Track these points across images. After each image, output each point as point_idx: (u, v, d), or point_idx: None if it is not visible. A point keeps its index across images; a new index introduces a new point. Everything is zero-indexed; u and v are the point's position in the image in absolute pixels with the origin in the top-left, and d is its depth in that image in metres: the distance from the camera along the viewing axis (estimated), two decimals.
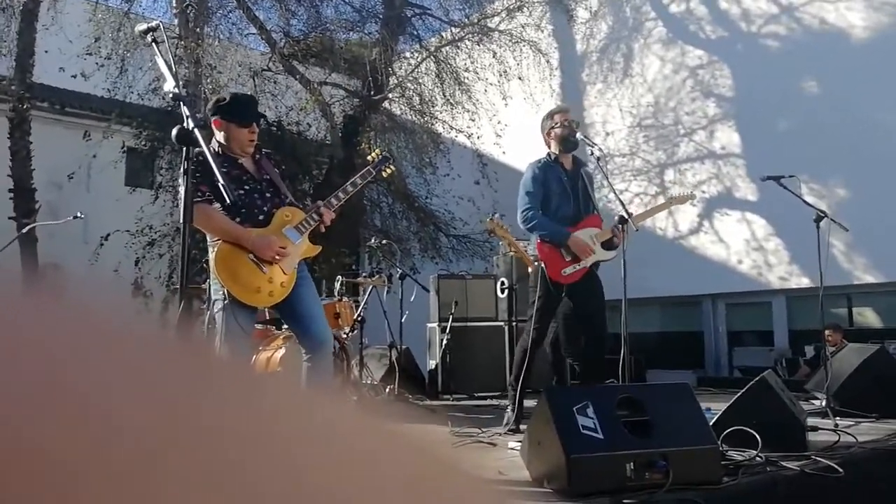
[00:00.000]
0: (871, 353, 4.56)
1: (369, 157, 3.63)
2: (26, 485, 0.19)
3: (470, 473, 0.32)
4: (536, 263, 4.07)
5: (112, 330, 0.27)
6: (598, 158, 4.14)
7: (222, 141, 3.13)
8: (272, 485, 0.23)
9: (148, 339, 0.28)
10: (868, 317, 9.30)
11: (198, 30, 9.69)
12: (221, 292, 2.95)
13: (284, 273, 3.03)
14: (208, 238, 3.08)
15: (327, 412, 0.30)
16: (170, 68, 2.49)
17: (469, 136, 10.95)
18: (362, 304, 5.90)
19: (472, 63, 11.11)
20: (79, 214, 6.17)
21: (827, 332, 7.46)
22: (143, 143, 9.99)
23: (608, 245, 4.06)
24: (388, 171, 3.63)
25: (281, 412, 0.28)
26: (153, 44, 2.54)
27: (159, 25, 2.57)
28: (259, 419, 0.26)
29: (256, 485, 0.23)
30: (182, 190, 2.92)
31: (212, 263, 2.99)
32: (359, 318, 5.63)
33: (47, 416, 0.21)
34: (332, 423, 0.29)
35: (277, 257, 2.99)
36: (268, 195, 3.14)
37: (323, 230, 3.25)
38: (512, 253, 6.56)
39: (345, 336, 5.45)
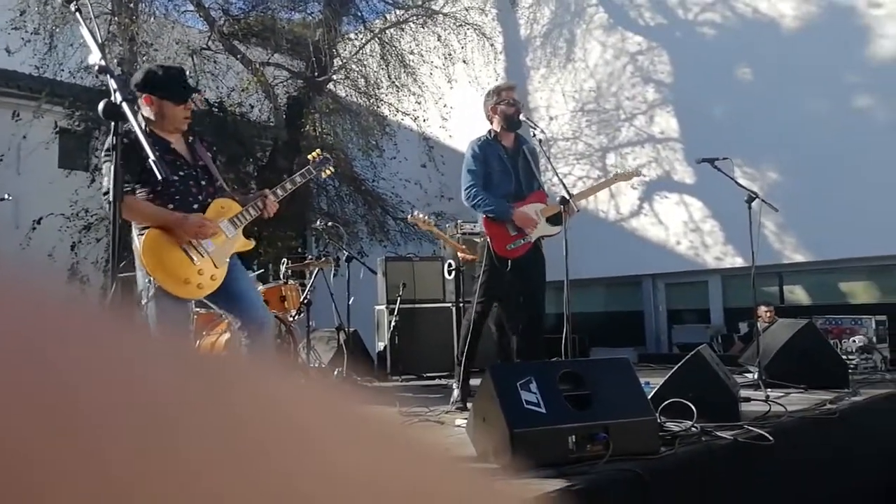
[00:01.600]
0: (800, 328, 4.79)
1: (310, 157, 3.53)
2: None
3: (429, 452, 0.32)
4: (482, 239, 4.11)
5: (52, 312, 0.26)
6: (541, 141, 4.18)
7: (152, 118, 2.95)
8: (224, 468, 0.23)
9: (90, 321, 0.27)
10: (798, 294, 9.75)
11: (132, 5, 9.30)
12: (149, 280, 2.82)
13: (216, 266, 2.92)
14: (134, 225, 2.92)
15: (281, 391, 0.29)
16: (95, 39, 2.37)
17: (415, 119, 10.91)
18: (309, 286, 5.85)
19: (416, 46, 11.04)
20: (6, 196, 5.88)
21: (763, 308, 7.81)
22: (76, 123, 9.56)
23: (554, 221, 4.10)
24: (328, 171, 3.56)
25: (233, 393, 0.27)
26: (76, 13, 2.42)
27: None
28: (209, 399, 0.26)
29: (209, 469, 0.22)
30: (106, 167, 2.80)
31: (138, 251, 2.84)
32: (305, 301, 5.58)
33: (22, 407, 0.20)
34: (286, 402, 0.29)
35: (200, 233, 2.86)
36: (203, 182, 3.02)
37: (266, 218, 3.18)
38: (459, 235, 6.61)
39: (291, 319, 5.39)
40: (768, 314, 7.80)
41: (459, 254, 5.52)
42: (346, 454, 0.27)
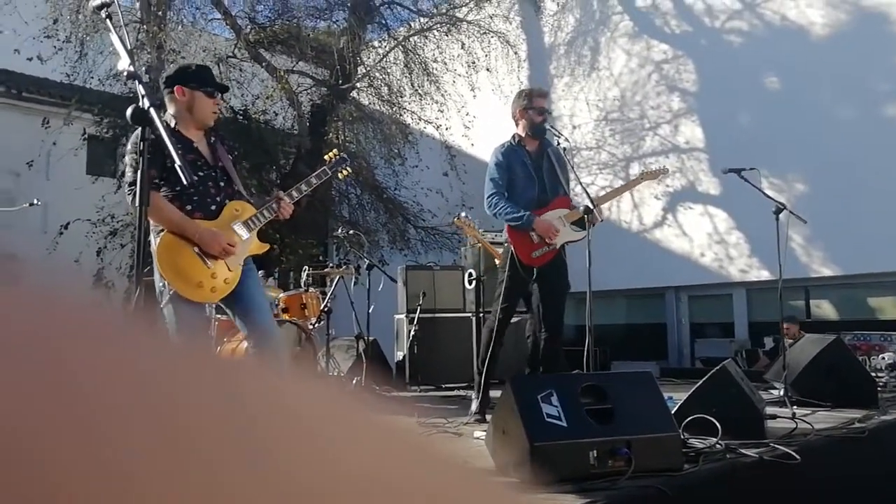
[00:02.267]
0: (827, 344, 4.68)
1: (326, 157, 3.48)
2: (14, 482, 0.19)
3: (440, 457, 0.32)
4: (506, 245, 4.08)
5: (75, 315, 0.26)
6: (565, 150, 4.16)
7: (180, 113, 2.97)
8: (238, 469, 0.23)
9: (111, 324, 0.28)
10: (825, 309, 9.56)
11: (160, 14, 9.46)
12: (164, 283, 2.83)
13: (229, 269, 2.91)
14: (152, 225, 2.92)
15: (296, 396, 0.30)
16: (125, 46, 2.38)
17: (437, 128, 10.93)
18: (329, 294, 5.86)
19: (440, 54, 11.08)
20: (35, 202, 5.99)
21: (786, 325, 7.66)
22: (104, 130, 9.73)
23: (578, 225, 4.02)
24: (345, 172, 3.50)
25: (248, 396, 0.27)
26: (107, 20, 2.44)
27: (113, 1, 2.47)
28: (225, 402, 0.26)
29: (223, 469, 0.22)
30: (129, 171, 2.82)
31: (154, 253, 2.84)
32: (326, 310, 5.58)
33: (13, 405, 0.21)
34: (301, 407, 0.29)
35: (224, 253, 2.86)
36: (221, 184, 3.02)
37: (281, 220, 3.16)
38: (479, 245, 6.59)
39: (312, 327, 5.40)
40: (789, 330, 7.66)
41: (497, 261, 5.47)
42: (358, 456, 0.27)
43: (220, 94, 3.07)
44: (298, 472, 0.24)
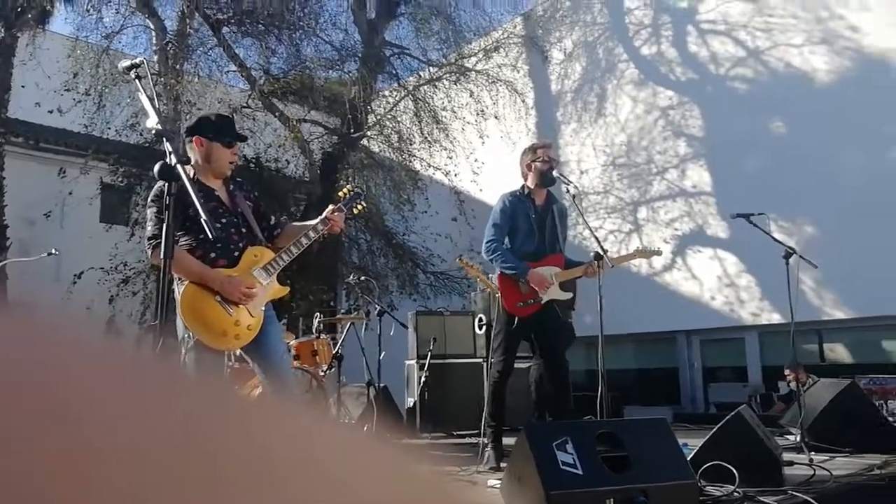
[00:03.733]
0: (843, 388, 4.63)
1: (340, 194, 3.47)
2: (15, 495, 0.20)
3: (458, 497, 0.32)
4: (497, 294, 4.12)
5: (82, 344, 0.27)
6: (574, 196, 4.21)
7: (198, 163, 3.04)
8: (244, 494, 0.23)
9: (119, 353, 0.28)
10: (839, 352, 9.45)
11: (177, 67, 9.75)
12: (188, 334, 2.86)
13: (251, 315, 2.94)
14: (175, 274, 2.98)
15: (313, 435, 0.30)
16: (153, 104, 2.47)
17: (446, 174, 11.08)
18: (340, 341, 5.86)
19: (449, 102, 11.31)
20: (53, 251, 6.08)
21: (787, 372, 7.53)
22: (119, 179, 9.95)
23: (566, 287, 4.10)
24: (359, 207, 3.47)
25: (265, 434, 0.27)
26: (136, 80, 2.53)
27: (143, 62, 2.56)
28: (231, 427, 0.26)
29: (229, 492, 0.23)
30: (150, 225, 2.89)
31: (178, 303, 2.87)
32: (337, 356, 5.58)
33: (39, 443, 0.21)
34: (314, 440, 0.29)
35: (245, 298, 2.90)
36: (243, 230, 3.07)
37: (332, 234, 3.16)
38: (489, 290, 6.60)
39: (322, 374, 5.39)
40: (794, 375, 7.55)
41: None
42: (375, 493, 0.27)
43: (237, 144, 3.14)
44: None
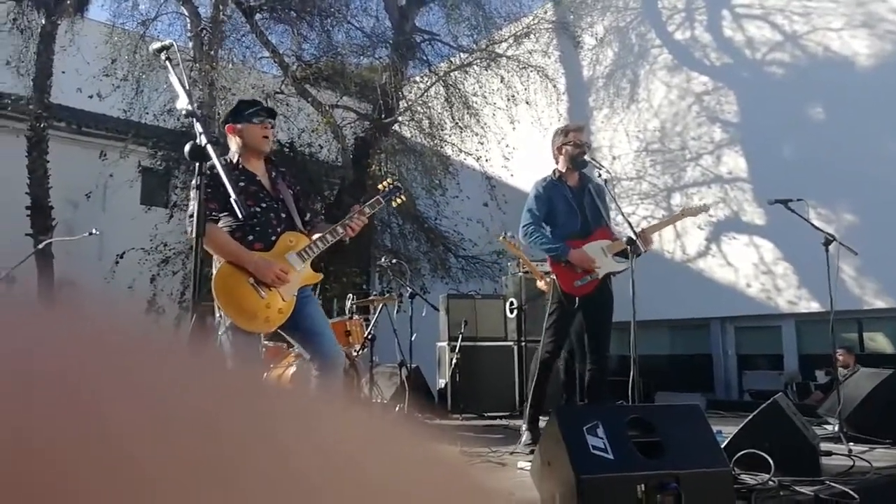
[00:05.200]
0: (884, 378, 4.53)
1: (380, 186, 3.48)
2: (35, 499, 0.20)
3: (483, 488, 0.32)
4: (550, 278, 4.09)
5: (126, 343, 0.27)
6: (606, 181, 4.17)
7: (238, 148, 3.11)
8: (270, 490, 0.23)
9: (161, 353, 0.29)
10: (879, 342, 9.23)
11: (212, 53, 9.87)
12: (221, 315, 2.91)
13: (283, 300, 2.96)
14: (213, 255, 3.03)
15: (341, 424, 0.30)
16: (183, 86, 2.48)
17: (478, 159, 11.04)
18: (373, 322, 5.91)
19: (480, 87, 11.24)
20: (94, 231, 6.23)
21: (839, 352, 7.42)
22: (158, 162, 10.15)
23: (622, 256, 4.02)
24: (399, 200, 3.47)
25: (286, 419, 0.28)
26: (167, 62, 2.54)
27: (173, 44, 2.57)
28: (265, 425, 0.27)
29: (256, 488, 0.23)
30: (193, 204, 2.95)
31: (213, 283, 2.92)
32: (369, 337, 5.64)
33: (61, 430, 0.22)
34: (337, 432, 0.29)
35: (278, 280, 2.92)
36: (283, 215, 3.10)
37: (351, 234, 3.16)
38: (521, 273, 6.60)
39: (356, 354, 5.46)
40: (843, 359, 7.41)
41: (540, 283, 5.47)
42: (396, 484, 0.27)
43: (268, 119, 3.15)
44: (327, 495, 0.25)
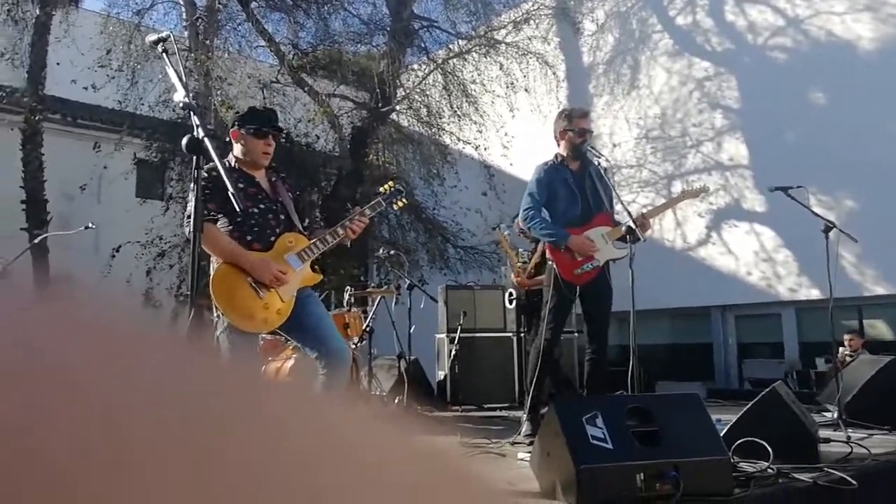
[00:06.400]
0: (884, 365, 4.52)
1: (382, 189, 3.42)
2: (35, 488, 0.20)
3: (481, 480, 0.32)
4: (549, 264, 4.05)
5: (122, 337, 0.27)
6: (605, 170, 4.13)
7: (239, 154, 3.09)
8: (274, 486, 0.23)
9: (158, 345, 0.29)
10: (879, 328, 9.22)
11: (207, 42, 9.80)
12: (219, 315, 2.88)
13: (282, 300, 2.93)
14: (212, 255, 3.01)
15: (336, 417, 0.30)
16: (180, 78, 2.47)
17: (476, 148, 10.99)
18: (371, 314, 5.90)
19: (479, 75, 11.17)
20: (90, 225, 6.21)
21: (848, 336, 7.42)
22: (153, 154, 10.09)
23: (623, 241, 3.99)
24: (400, 204, 3.41)
25: (288, 415, 0.28)
26: (163, 54, 2.52)
27: (169, 36, 2.55)
28: (266, 421, 0.27)
29: (260, 485, 0.23)
30: (191, 202, 2.92)
31: (210, 284, 2.90)
32: (368, 329, 5.62)
33: (58, 423, 0.22)
34: (340, 428, 0.29)
35: (276, 281, 2.89)
36: (281, 217, 3.08)
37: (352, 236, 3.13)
38: (521, 264, 6.57)
39: (354, 346, 5.44)
40: (852, 343, 7.39)
41: (515, 278, 5.51)
42: (398, 479, 0.27)
43: (271, 135, 3.10)
44: (332, 490, 0.24)
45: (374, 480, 0.27)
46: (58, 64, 9.59)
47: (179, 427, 0.24)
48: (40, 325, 0.26)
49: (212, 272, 2.93)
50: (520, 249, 5.78)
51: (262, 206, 3.04)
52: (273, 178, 3.18)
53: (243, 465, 0.24)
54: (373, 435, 0.31)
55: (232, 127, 3.13)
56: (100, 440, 0.22)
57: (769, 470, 2.74)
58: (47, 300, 0.28)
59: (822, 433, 3.56)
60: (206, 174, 2.63)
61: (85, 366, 0.24)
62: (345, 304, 5.88)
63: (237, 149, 3.11)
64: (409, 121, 11.44)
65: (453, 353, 6.61)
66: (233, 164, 3.07)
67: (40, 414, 0.22)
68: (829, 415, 4.68)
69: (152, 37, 2.59)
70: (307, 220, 3.31)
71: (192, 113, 2.48)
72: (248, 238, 2.97)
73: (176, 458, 0.22)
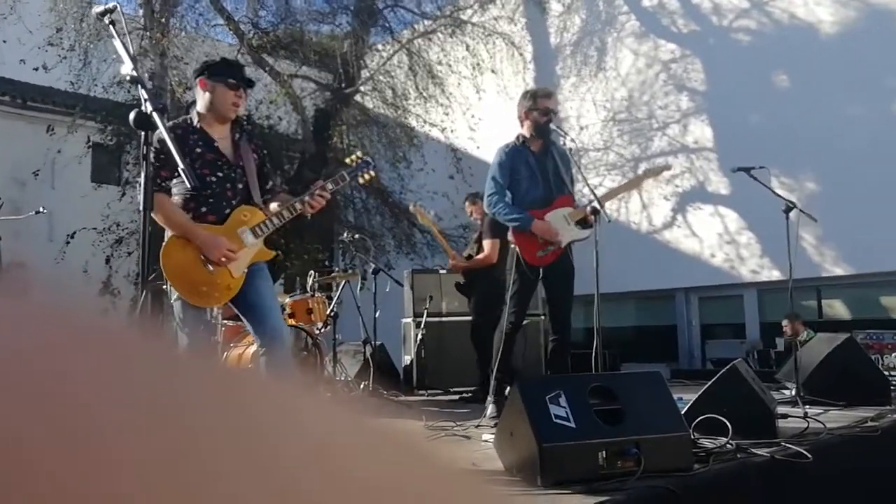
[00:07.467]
0: (840, 343, 4.61)
1: (347, 160, 3.27)
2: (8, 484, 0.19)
3: (448, 466, 0.32)
4: (512, 247, 4.04)
5: (79, 326, 0.27)
6: (571, 151, 4.11)
7: (204, 108, 2.95)
8: (242, 477, 0.23)
9: (114, 335, 0.28)
10: (837, 308, 9.46)
11: (163, 21, 9.49)
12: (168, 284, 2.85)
13: (233, 276, 2.87)
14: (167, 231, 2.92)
15: (299, 404, 0.30)
16: (127, 51, 2.40)
17: (443, 131, 10.90)
18: (335, 299, 5.82)
19: (445, 56, 11.06)
20: (41, 209, 6.00)
21: (784, 323, 7.61)
22: (108, 137, 9.76)
23: (584, 223, 3.99)
24: (367, 176, 3.23)
25: (252, 405, 0.27)
26: (110, 26, 2.44)
27: (116, 6, 2.45)
28: (229, 410, 0.26)
29: (227, 477, 0.22)
30: (143, 176, 2.81)
31: (160, 256, 2.82)
32: (332, 314, 5.55)
33: (14, 413, 0.21)
34: (304, 415, 0.29)
35: (225, 261, 2.82)
36: (239, 186, 2.97)
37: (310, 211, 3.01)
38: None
39: (318, 332, 5.37)
40: (790, 328, 7.58)
41: (451, 262, 5.61)
42: (362, 464, 0.27)
43: (243, 88, 3.00)
44: (304, 481, 0.24)
45: (339, 470, 0.26)
46: (4, 42, 9.17)
47: (149, 423, 0.23)
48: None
49: (163, 245, 2.86)
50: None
51: (220, 173, 2.93)
52: (237, 136, 3.05)
53: (216, 459, 0.23)
54: (332, 417, 0.31)
55: (200, 75, 2.97)
56: (72, 439, 0.21)
57: (728, 445, 2.77)
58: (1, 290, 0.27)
59: (781, 409, 3.62)
60: (157, 145, 2.53)
61: (50, 360, 0.23)
62: (309, 289, 5.79)
63: (202, 101, 2.96)
64: (374, 102, 11.30)
65: (420, 337, 6.57)
66: (195, 122, 2.94)
67: (6, 412, 0.21)
68: (787, 392, 4.77)
69: (98, 8, 2.50)
70: (270, 183, 3.19)
71: (139, 86, 2.41)
72: (203, 210, 2.88)
73: (135, 454, 0.21)
